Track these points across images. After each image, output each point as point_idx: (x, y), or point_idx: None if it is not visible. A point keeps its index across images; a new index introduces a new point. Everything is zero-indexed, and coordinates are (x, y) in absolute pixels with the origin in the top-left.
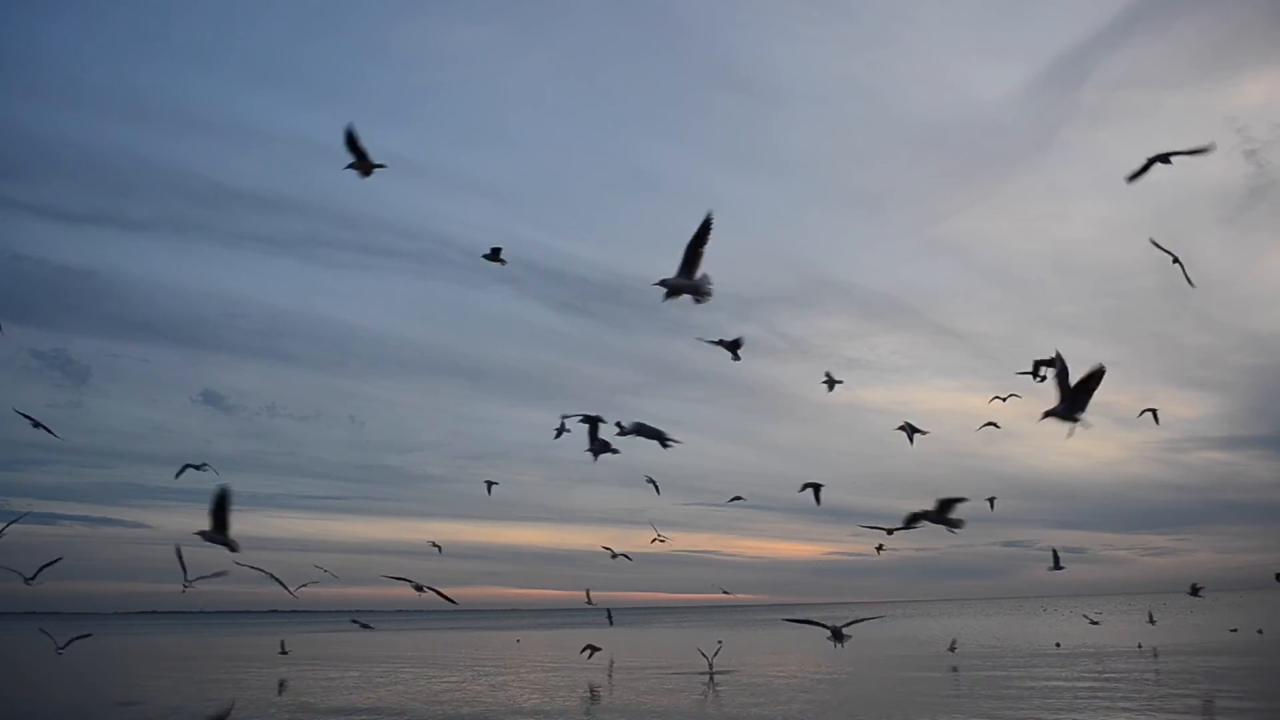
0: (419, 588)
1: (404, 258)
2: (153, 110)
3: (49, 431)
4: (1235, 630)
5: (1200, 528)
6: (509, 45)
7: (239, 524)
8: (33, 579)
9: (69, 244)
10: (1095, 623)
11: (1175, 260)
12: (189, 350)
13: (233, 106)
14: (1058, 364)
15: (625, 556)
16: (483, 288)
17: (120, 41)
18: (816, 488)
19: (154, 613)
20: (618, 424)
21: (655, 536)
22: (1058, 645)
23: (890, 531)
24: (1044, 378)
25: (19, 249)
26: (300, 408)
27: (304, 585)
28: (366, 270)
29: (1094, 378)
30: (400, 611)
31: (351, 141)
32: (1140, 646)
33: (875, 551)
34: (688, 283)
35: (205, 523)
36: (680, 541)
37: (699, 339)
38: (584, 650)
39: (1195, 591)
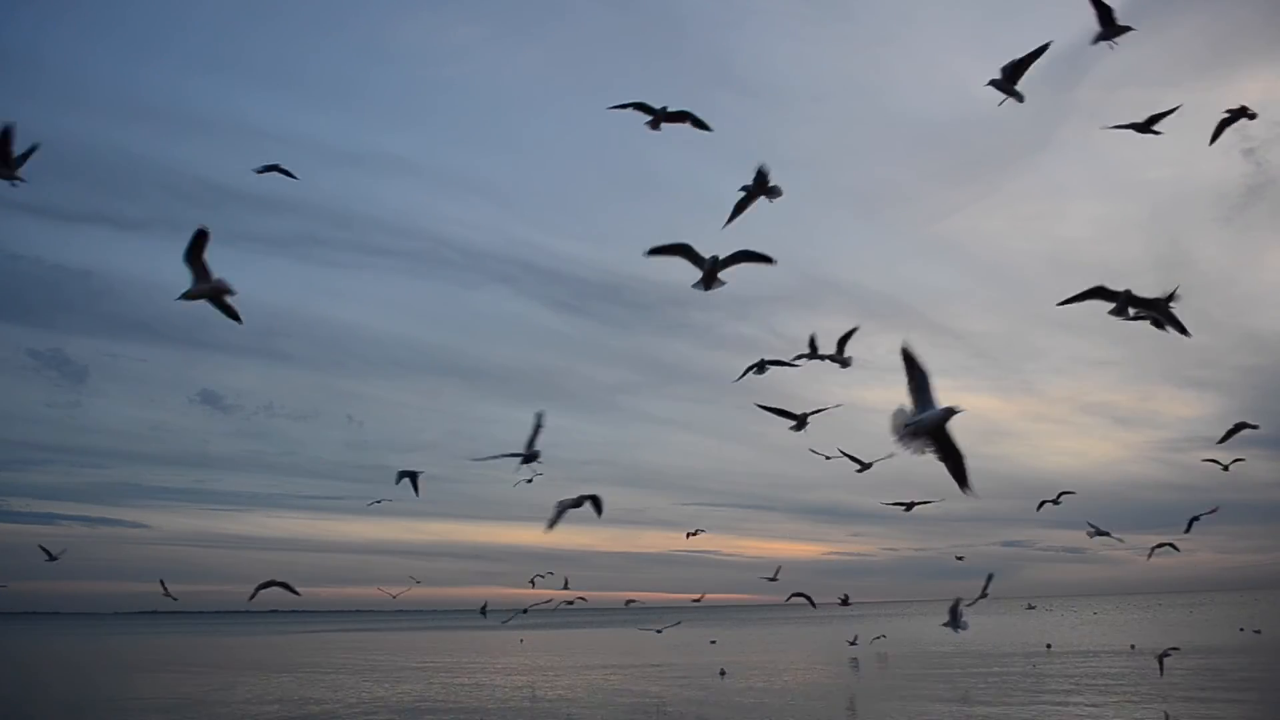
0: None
1: (401, 257)
2: (150, 110)
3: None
4: (1243, 630)
5: (1200, 527)
6: (507, 45)
7: (236, 524)
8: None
9: (65, 243)
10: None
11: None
12: (186, 350)
13: (230, 106)
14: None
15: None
16: (480, 287)
17: (119, 42)
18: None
19: (154, 613)
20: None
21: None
22: (1049, 646)
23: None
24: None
25: (15, 248)
26: (298, 407)
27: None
28: (364, 270)
29: None
30: (401, 612)
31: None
32: (1134, 647)
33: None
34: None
35: None
36: (680, 541)
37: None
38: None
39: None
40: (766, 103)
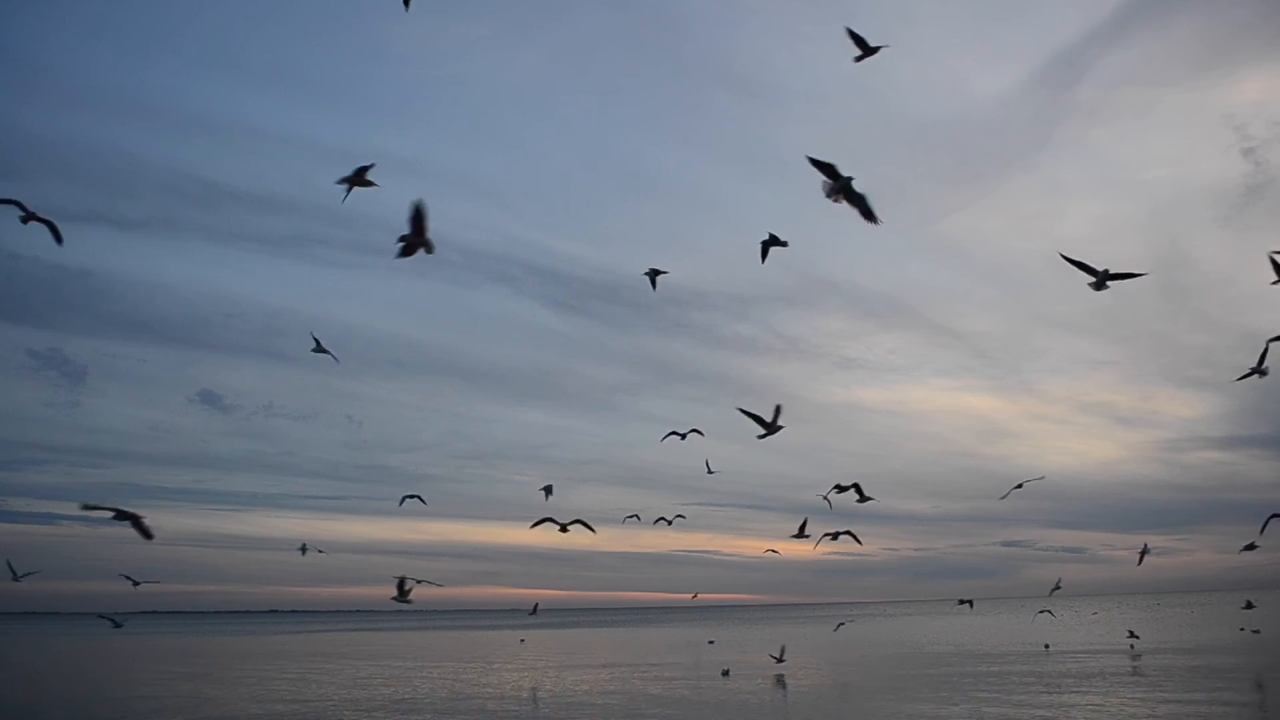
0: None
1: None
2: (150, 110)
3: None
4: (1243, 629)
5: (1200, 528)
6: (506, 44)
7: (236, 524)
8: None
9: (65, 243)
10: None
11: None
12: (186, 350)
13: (229, 106)
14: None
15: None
16: (479, 287)
17: (120, 42)
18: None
19: (154, 613)
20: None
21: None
22: (1047, 647)
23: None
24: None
25: (14, 248)
26: (297, 407)
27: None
28: (363, 269)
29: None
30: (400, 612)
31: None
32: (1133, 647)
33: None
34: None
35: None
36: (680, 541)
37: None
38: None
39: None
40: (766, 103)
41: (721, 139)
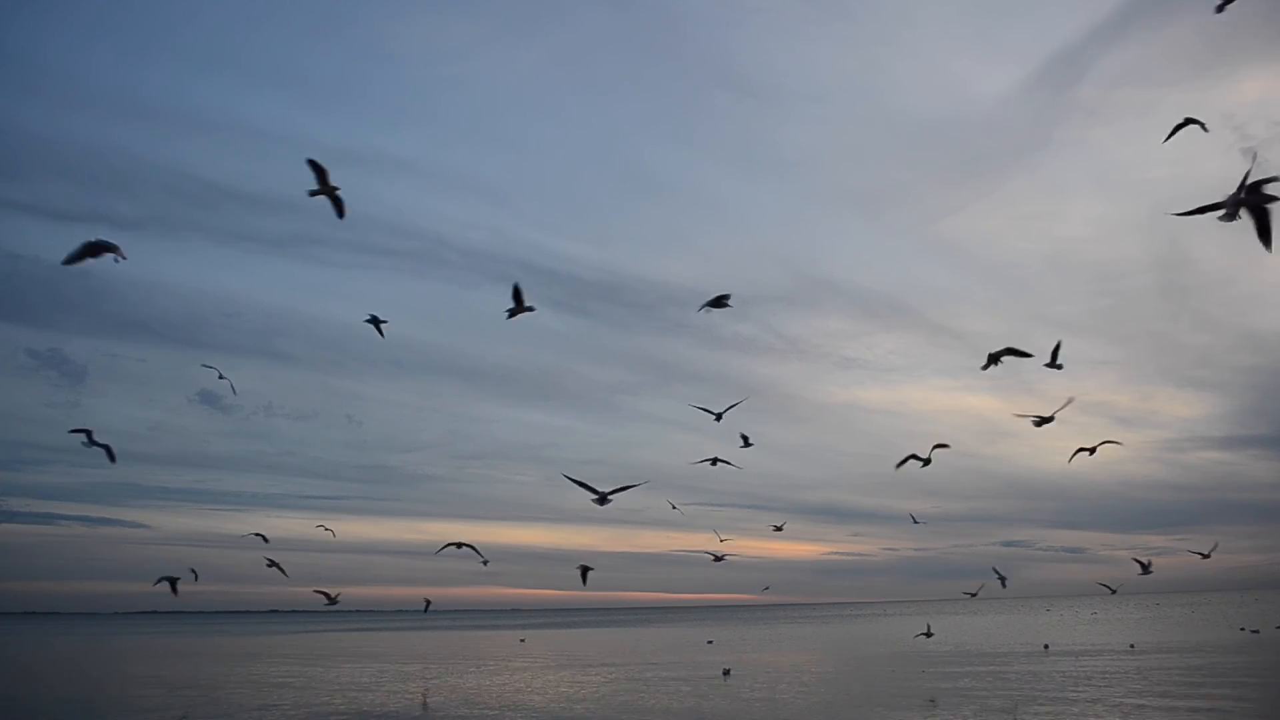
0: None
1: (400, 257)
2: (150, 110)
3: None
4: (1243, 629)
5: (1200, 528)
6: (506, 44)
7: (236, 524)
8: None
9: (65, 243)
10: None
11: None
12: (186, 350)
13: (229, 106)
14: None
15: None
16: (478, 287)
17: (119, 42)
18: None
19: (154, 613)
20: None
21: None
22: (1046, 647)
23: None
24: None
25: (14, 248)
26: (297, 407)
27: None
28: (362, 269)
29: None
30: (400, 612)
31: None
32: (1133, 647)
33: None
34: None
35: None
36: (680, 541)
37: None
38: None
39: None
40: (766, 103)
41: (721, 139)
